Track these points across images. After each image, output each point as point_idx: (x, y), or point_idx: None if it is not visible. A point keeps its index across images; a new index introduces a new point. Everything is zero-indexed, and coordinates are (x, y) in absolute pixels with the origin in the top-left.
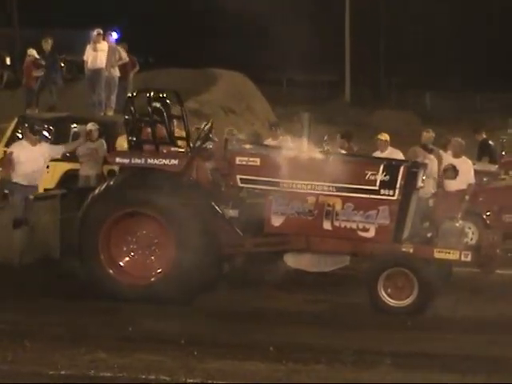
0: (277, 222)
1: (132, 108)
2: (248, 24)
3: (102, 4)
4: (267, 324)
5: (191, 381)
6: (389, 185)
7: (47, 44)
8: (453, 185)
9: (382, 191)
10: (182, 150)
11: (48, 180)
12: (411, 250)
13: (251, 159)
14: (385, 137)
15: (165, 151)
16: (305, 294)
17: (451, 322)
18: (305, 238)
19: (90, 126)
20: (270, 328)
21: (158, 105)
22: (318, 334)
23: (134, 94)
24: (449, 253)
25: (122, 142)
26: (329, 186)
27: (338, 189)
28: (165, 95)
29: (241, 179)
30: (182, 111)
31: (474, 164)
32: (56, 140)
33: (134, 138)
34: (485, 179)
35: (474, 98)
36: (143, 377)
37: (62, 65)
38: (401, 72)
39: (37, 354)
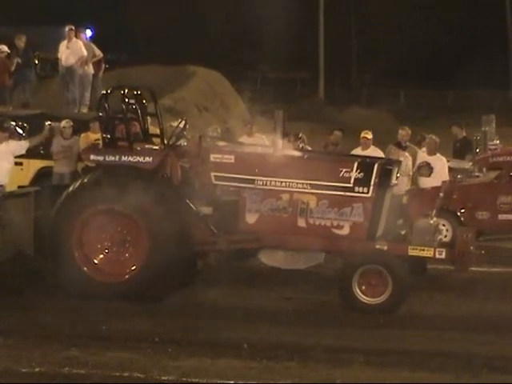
0: (251, 219)
1: (106, 105)
2: (223, 23)
3: (75, 2)
4: (241, 321)
5: (165, 378)
6: (363, 182)
7: (20, 41)
8: (427, 182)
9: (356, 188)
10: (156, 147)
11: (22, 177)
12: (385, 248)
13: (225, 156)
14: (369, 135)
15: (139, 148)
16: (279, 292)
17: (424, 319)
18: (279, 235)
19: (64, 123)
20: (243, 325)
21: (132, 102)
22: (291, 331)
23: (109, 91)
24: (423, 250)
25: (87, 139)
26: (303, 184)
27: (313, 186)
28: (139, 92)
29: (215, 176)
30: (156, 108)
31: (448, 161)
32: (29, 137)
33: (108, 136)
34: (459, 176)
35: (446, 96)
36: (117, 374)
37: (36, 62)
38: (374, 70)
39: (10, 351)
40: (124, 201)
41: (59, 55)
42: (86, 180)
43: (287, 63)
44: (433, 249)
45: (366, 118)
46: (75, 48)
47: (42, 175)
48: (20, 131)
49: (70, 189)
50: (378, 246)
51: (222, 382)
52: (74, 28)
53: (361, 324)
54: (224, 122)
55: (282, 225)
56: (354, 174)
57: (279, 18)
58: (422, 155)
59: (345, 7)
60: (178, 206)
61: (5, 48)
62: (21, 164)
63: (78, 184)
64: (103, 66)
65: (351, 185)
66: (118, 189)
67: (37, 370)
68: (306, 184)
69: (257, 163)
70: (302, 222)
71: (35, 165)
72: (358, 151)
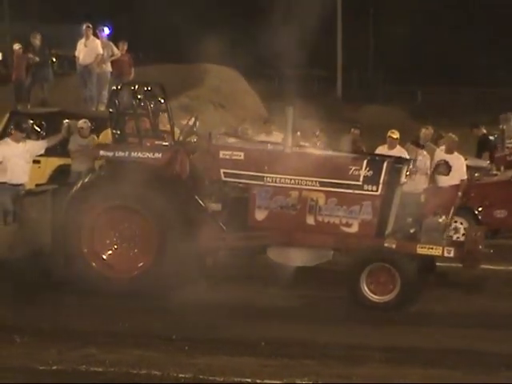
0: (260, 216)
1: (116, 101)
2: (240, 19)
3: (92, 0)
4: (256, 319)
5: (182, 376)
6: (372, 180)
7: (36, 39)
8: (445, 180)
9: (366, 186)
10: (166, 143)
11: (39, 175)
12: (394, 246)
13: (235, 153)
14: (395, 134)
15: (148, 144)
16: (291, 289)
17: (439, 316)
18: (288, 232)
19: (82, 123)
20: (258, 323)
21: (142, 98)
22: (306, 329)
23: (119, 87)
24: (432, 248)
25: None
26: (312, 181)
27: (322, 184)
28: (149, 88)
29: (224, 173)
30: (166, 104)
31: (465, 159)
32: (48, 135)
33: (118, 132)
34: (476, 175)
35: (463, 94)
36: (134, 372)
37: (54, 60)
38: (391, 68)
39: (26, 348)
40: (133, 197)
41: (77, 53)
42: (95, 176)
43: (304, 61)
44: (441, 247)
45: (383, 115)
46: (92, 46)
47: (60, 173)
48: (38, 129)
49: (80, 184)
50: (386, 244)
51: (238, 379)
52: (91, 26)
53: (376, 321)
54: (242, 119)
55: (291, 222)
56: (363, 172)
57: (296, 16)
58: (440, 154)
59: (363, 5)
60: (187, 203)
61: (19, 46)
62: (38, 162)
63: (87, 180)
64: (133, 70)
65: (360, 183)
66: (128, 185)
67: (54, 367)
68: (315, 181)
69: (266, 160)
70: (310, 220)
71: (53, 163)
72: (384, 150)
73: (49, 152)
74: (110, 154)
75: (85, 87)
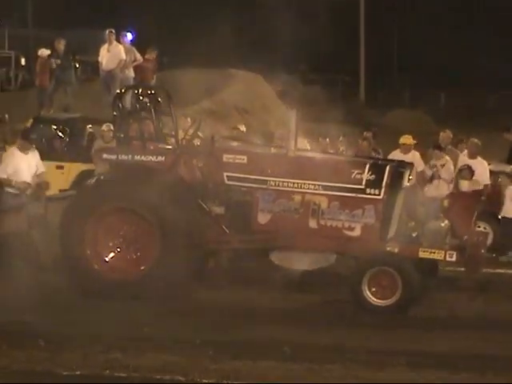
0: (263, 219)
1: (120, 104)
2: (264, 25)
3: (116, 5)
4: (281, 324)
5: (206, 381)
6: (374, 184)
7: (60, 45)
8: (468, 185)
9: (368, 190)
10: (169, 146)
11: (63, 181)
12: (396, 250)
13: (238, 157)
14: (409, 140)
15: (152, 147)
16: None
17: (467, 319)
18: (291, 236)
19: (104, 127)
20: (283, 328)
21: (145, 101)
22: (331, 333)
23: (123, 90)
24: (433, 252)
25: None
26: (315, 185)
27: (325, 187)
28: (153, 92)
29: (227, 177)
30: (170, 108)
31: (489, 164)
32: (71, 140)
33: (122, 135)
34: (500, 179)
35: (486, 98)
36: (158, 377)
37: (77, 65)
38: (415, 72)
39: (50, 353)
40: (136, 200)
41: (100, 59)
42: (100, 178)
43: (328, 65)
44: (443, 251)
45: (407, 119)
46: (115, 52)
47: (83, 178)
48: (61, 135)
49: (84, 186)
50: (388, 248)
51: None
52: (113, 31)
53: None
54: (266, 124)
55: (294, 225)
56: (365, 176)
57: (319, 19)
58: (464, 159)
59: (386, 8)
60: (191, 206)
61: (45, 52)
62: (62, 168)
63: (92, 182)
64: (155, 76)
65: (363, 186)
66: (130, 187)
67: (78, 372)
68: (318, 185)
69: (269, 164)
70: (313, 223)
71: (76, 168)
72: (397, 154)
73: (72, 157)
74: (114, 157)
75: (108, 92)
